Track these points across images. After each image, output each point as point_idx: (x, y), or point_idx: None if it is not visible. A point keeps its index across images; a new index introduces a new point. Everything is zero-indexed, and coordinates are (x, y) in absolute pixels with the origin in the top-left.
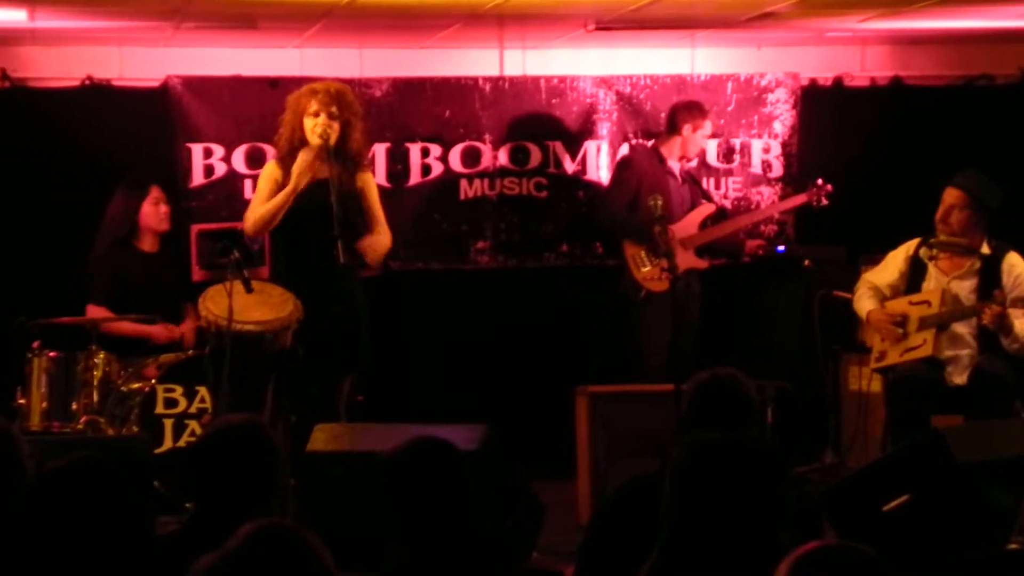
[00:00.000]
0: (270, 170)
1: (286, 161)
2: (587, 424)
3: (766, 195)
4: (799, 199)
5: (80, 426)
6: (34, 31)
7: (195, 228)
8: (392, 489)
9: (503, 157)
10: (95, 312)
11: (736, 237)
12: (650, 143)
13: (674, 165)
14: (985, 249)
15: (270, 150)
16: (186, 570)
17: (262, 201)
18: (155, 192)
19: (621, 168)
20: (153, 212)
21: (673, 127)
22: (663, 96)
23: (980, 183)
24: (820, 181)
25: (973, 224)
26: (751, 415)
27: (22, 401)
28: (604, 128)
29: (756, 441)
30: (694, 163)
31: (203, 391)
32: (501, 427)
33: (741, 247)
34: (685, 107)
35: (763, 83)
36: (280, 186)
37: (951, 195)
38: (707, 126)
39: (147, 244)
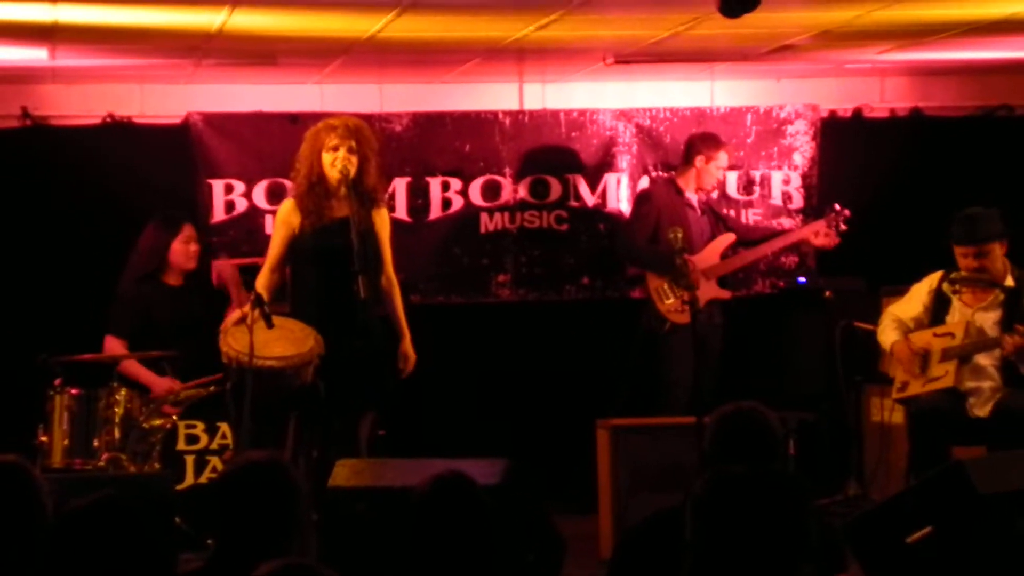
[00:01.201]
0: (285, 213)
1: (303, 200)
2: (609, 457)
3: (787, 227)
4: (818, 225)
5: (102, 463)
6: (55, 69)
7: (216, 264)
8: (415, 524)
9: (523, 190)
10: (112, 344)
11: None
12: (668, 175)
13: (692, 197)
14: (1009, 281)
15: (291, 186)
16: None
17: (274, 256)
18: (187, 231)
19: (640, 202)
20: (183, 250)
21: (688, 159)
22: (683, 128)
23: (981, 221)
24: (838, 206)
25: (1000, 256)
26: (775, 449)
27: (44, 438)
28: (624, 161)
29: (779, 475)
30: (715, 194)
31: (224, 427)
32: (523, 461)
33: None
34: (700, 139)
35: (783, 115)
36: (294, 230)
37: (969, 250)
38: (722, 158)
39: (172, 279)
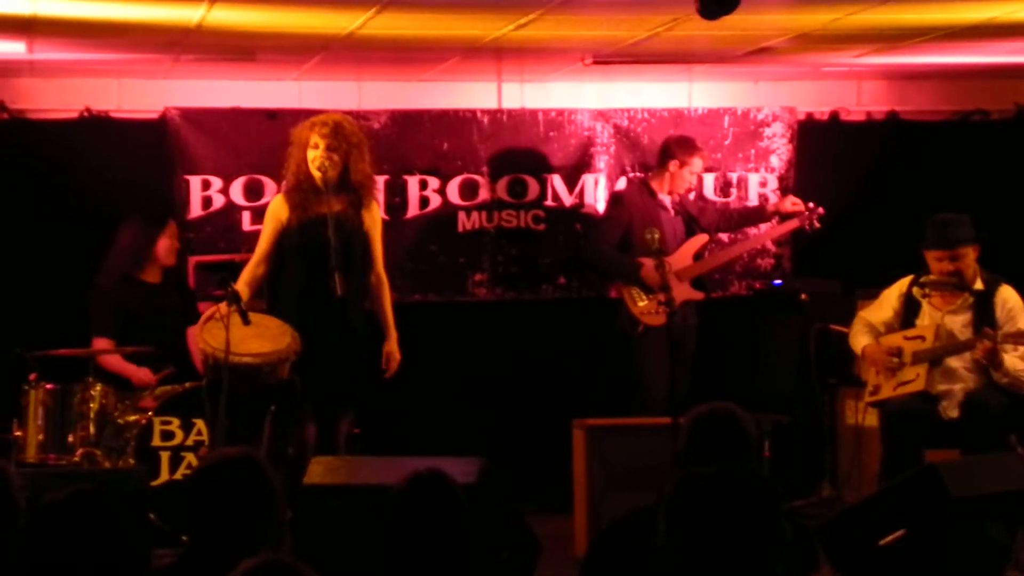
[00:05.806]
0: (275, 207)
1: (292, 195)
2: (584, 457)
3: (763, 229)
4: (791, 224)
5: (76, 458)
6: (33, 63)
7: (193, 260)
8: (391, 520)
9: (501, 190)
10: (101, 344)
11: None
12: (642, 176)
13: (665, 198)
14: (978, 284)
15: (268, 182)
16: None
17: (263, 250)
18: (172, 227)
19: (612, 204)
20: (169, 246)
21: (662, 162)
22: (660, 129)
23: (954, 226)
24: (811, 204)
25: (972, 261)
26: (749, 450)
27: (18, 433)
28: (602, 161)
29: (748, 475)
30: (692, 195)
31: (200, 424)
32: (498, 460)
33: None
34: (676, 143)
35: (760, 117)
36: (283, 224)
37: (944, 254)
38: (696, 163)
39: (151, 276)
